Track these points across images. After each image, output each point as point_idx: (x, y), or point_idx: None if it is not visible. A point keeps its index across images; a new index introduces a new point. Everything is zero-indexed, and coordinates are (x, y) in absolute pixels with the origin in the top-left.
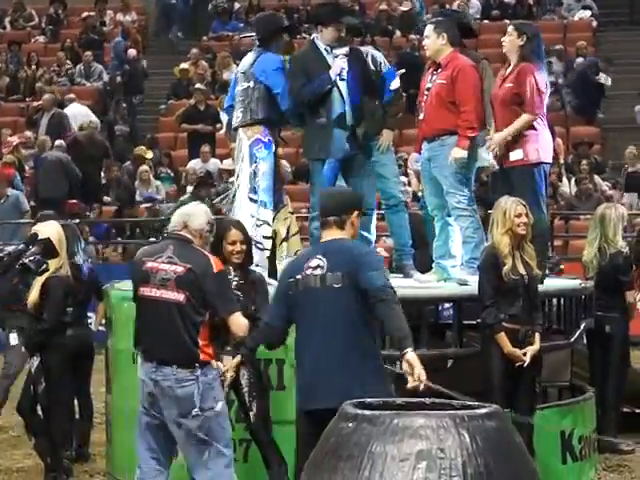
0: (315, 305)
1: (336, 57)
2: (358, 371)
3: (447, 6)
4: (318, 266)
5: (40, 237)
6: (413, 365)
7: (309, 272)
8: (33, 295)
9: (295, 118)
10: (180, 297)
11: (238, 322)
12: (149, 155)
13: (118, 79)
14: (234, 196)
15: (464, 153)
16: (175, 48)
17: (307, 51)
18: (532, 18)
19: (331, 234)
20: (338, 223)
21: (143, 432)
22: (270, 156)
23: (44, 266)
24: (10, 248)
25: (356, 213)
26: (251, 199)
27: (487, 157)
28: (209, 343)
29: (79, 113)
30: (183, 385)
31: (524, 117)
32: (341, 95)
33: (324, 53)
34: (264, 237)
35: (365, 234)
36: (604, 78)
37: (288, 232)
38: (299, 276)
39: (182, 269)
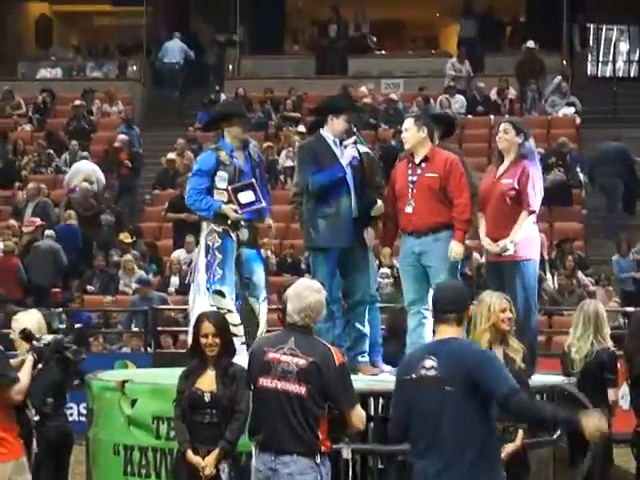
0: (426, 407)
1: (346, 147)
2: (475, 471)
3: (431, 100)
4: (432, 367)
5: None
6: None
7: (423, 372)
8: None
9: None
10: (302, 390)
11: (358, 415)
12: (128, 240)
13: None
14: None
15: (462, 247)
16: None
17: (315, 142)
18: (514, 114)
19: (448, 331)
20: (458, 320)
21: None
22: (226, 245)
23: (81, 355)
24: (49, 337)
25: (471, 309)
26: (208, 289)
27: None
28: (328, 436)
29: (85, 169)
30: (303, 473)
31: (524, 214)
32: (348, 185)
33: (332, 145)
34: (232, 325)
35: (359, 326)
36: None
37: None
38: (414, 375)
39: (304, 362)
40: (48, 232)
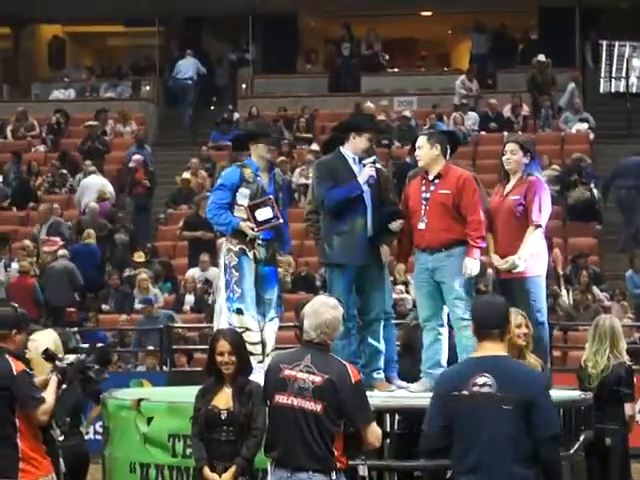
0: (479, 423)
1: (364, 165)
2: None
3: (444, 118)
4: (485, 384)
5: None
6: None
7: (476, 389)
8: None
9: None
10: (317, 407)
11: (374, 432)
12: (141, 259)
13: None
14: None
15: (477, 263)
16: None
17: (334, 159)
18: (527, 130)
19: (492, 348)
20: (501, 336)
21: None
22: (242, 264)
23: (104, 374)
24: (72, 357)
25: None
26: (228, 308)
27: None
28: (343, 453)
29: (95, 183)
30: None
31: (531, 230)
32: (364, 203)
33: (351, 162)
34: (250, 343)
35: (374, 343)
36: None
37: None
38: (465, 391)
39: (320, 379)
40: (62, 252)
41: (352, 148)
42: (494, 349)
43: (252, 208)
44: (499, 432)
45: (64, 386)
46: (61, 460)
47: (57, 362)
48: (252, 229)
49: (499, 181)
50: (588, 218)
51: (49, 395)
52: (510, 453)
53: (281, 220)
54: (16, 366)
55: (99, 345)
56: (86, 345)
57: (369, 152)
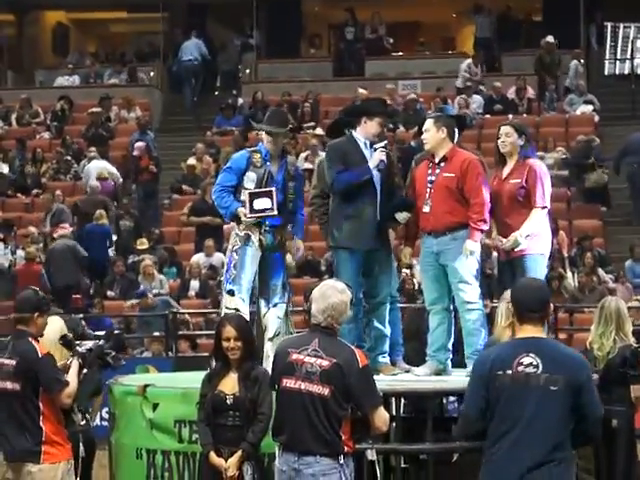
0: (522, 404)
1: (375, 150)
2: (553, 473)
3: (449, 101)
4: (531, 364)
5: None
6: None
7: (521, 369)
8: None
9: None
10: (325, 391)
11: (381, 416)
12: (144, 246)
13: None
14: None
15: (477, 245)
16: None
17: (345, 142)
18: (532, 113)
19: (533, 331)
20: (542, 319)
21: None
22: (245, 249)
23: (120, 361)
24: (90, 343)
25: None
26: (225, 290)
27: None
28: (350, 437)
29: (98, 167)
30: (326, 473)
31: (537, 211)
32: (374, 188)
33: (362, 146)
34: None
35: (380, 326)
36: None
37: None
38: (509, 371)
39: (327, 363)
40: (62, 232)
41: (363, 132)
42: (535, 332)
43: (252, 195)
44: (542, 413)
45: (84, 371)
46: (81, 445)
47: (77, 347)
48: (245, 214)
49: (495, 165)
50: (599, 200)
51: (72, 378)
52: (551, 434)
53: (275, 212)
54: (40, 349)
55: (116, 332)
56: (94, 332)
57: (380, 136)
